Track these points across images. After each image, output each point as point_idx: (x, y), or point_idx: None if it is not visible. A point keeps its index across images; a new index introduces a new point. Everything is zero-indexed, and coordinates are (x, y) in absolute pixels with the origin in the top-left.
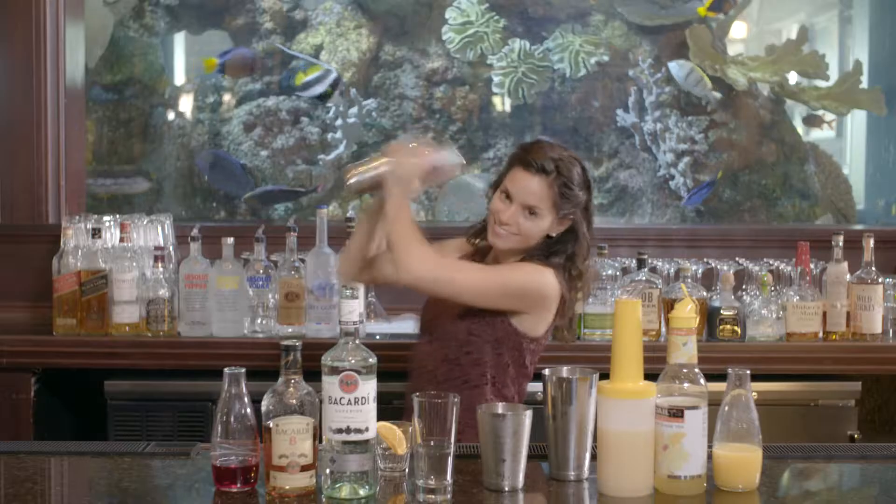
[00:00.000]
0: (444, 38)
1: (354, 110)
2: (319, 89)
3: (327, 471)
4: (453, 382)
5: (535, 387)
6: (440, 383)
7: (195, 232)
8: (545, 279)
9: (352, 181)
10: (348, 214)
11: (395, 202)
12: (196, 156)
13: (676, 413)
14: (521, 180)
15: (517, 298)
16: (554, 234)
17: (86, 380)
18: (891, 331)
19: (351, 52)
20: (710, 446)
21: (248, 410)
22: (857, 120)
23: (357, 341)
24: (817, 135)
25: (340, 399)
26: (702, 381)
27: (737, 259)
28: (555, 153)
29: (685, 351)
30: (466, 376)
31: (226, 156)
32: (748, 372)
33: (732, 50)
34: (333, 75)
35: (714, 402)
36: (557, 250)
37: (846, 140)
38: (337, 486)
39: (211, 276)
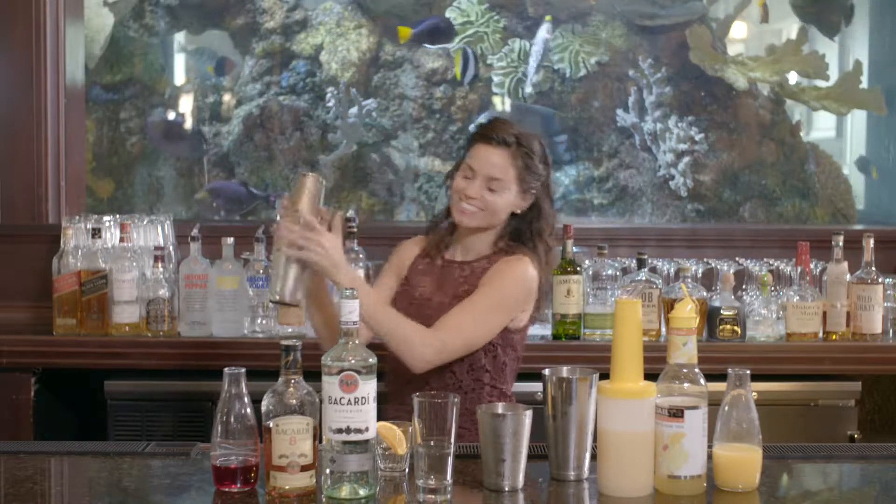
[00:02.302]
0: None
1: (354, 110)
2: (472, 70)
3: (327, 471)
4: (447, 390)
5: (535, 387)
6: (432, 389)
7: (195, 232)
8: (528, 274)
9: (276, 300)
10: (348, 214)
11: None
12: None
13: (676, 413)
14: (483, 153)
15: (515, 307)
16: (518, 211)
17: (86, 380)
18: (891, 331)
19: (351, 52)
20: (710, 446)
21: (248, 410)
22: (857, 120)
23: (357, 341)
24: (817, 135)
25: (340, 399)
26: (702, 381)
27: (737, 259)
28: (514, 129)
29: (685, 351)
30: (460, 383)
31: (175, 119)
32: (748, 372)
33: (732, 50)
34: (469, 51)
35: (714, 402)
36: (523, 229)
37: (846, 140)
38: (337, 486)
39: (211, 276)
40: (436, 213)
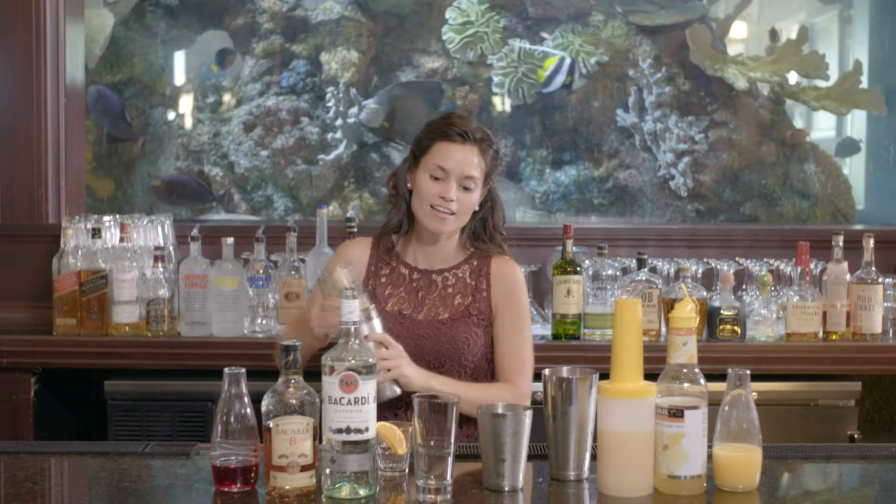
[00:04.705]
0: (444, 38)
1: (354, 110)
2: (560, 80)
3: (327, 471)
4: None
5: (535, 387)
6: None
7: (195, 232)
8: (521, 273)
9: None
10: (348, 214)
11: (428, 384)
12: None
13: (676, 413)
14: (455, 153)
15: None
16: (478, 207)
17: (86, 380)
18: (891, 331)
19: (351, 52)
20: (710, 446)
21: (248, 410)
22: (857, 120)
23: (357, 341)
24: (817, 135)
25: (340, 399)
26: (702, 381)
27: (737, 259)
28: (473, 122)
29: (685, 351)
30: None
31: (108, 93)
32: (748, 372)
33: (732, 50)
34: (568, 61)
35: (714, 402)
36: (477, 226)
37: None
38: (337, 486)
39: (211, 276)
40: (389, 219)
